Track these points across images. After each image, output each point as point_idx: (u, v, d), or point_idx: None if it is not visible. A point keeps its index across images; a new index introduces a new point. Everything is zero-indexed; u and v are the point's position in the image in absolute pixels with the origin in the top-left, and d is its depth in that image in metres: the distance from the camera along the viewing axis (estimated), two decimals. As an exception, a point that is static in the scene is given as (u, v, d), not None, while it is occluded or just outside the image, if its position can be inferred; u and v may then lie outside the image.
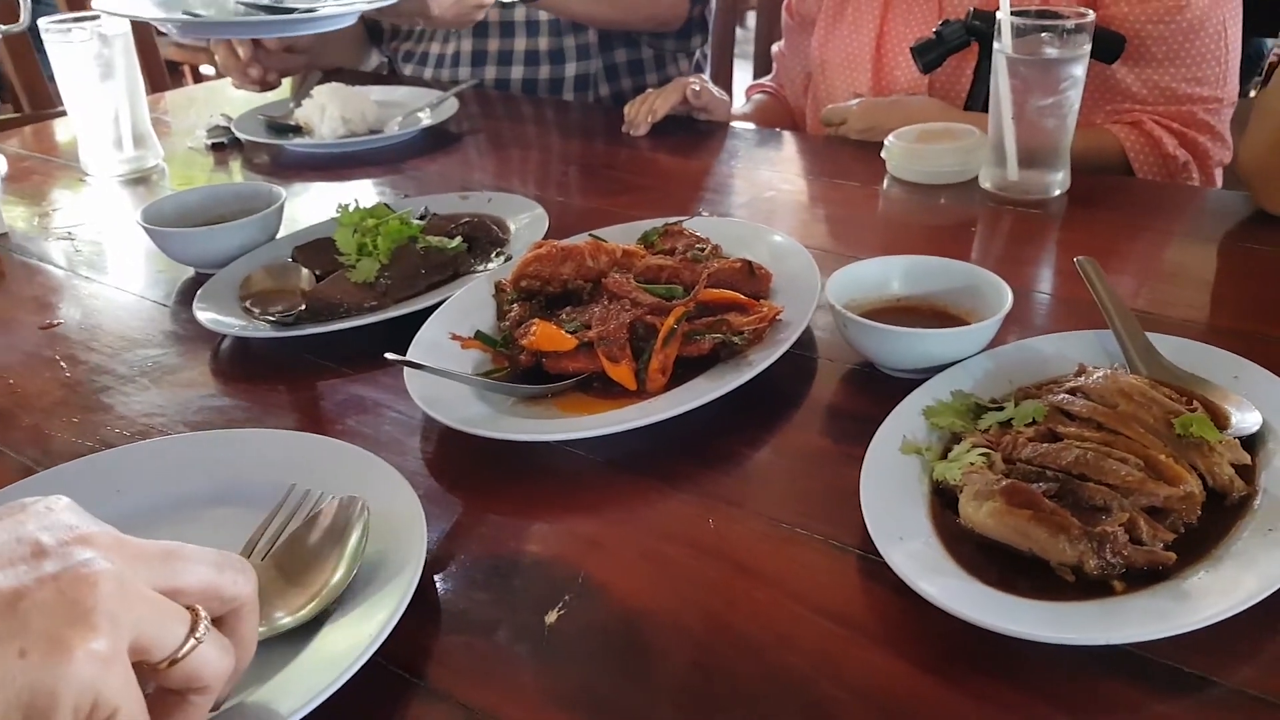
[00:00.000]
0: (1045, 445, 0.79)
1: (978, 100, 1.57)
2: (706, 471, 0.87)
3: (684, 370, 0.96)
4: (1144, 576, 0.70)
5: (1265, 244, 1.20)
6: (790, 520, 0.80)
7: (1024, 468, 0.78)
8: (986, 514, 0.74)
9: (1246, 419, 0.83)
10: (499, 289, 1.10)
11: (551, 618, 0.73)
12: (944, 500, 0.79)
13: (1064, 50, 1.28)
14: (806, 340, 1.04)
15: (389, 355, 0.88)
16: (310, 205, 1.55)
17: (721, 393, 0.91)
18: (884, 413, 0.87)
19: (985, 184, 1.40)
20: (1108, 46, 1.46)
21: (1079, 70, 1.29)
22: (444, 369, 0.92)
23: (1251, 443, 0.81)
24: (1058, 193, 1.36)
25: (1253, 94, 1.65)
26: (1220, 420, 0.83)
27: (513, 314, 1.04)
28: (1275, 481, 0.77)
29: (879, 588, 0.72)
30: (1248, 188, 1.27)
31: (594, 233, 1.22)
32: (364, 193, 1.60)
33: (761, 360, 0.95)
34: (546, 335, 0.97)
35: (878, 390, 0.95)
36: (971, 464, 0.79)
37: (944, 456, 0.83)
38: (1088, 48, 1.28)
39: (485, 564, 0.79)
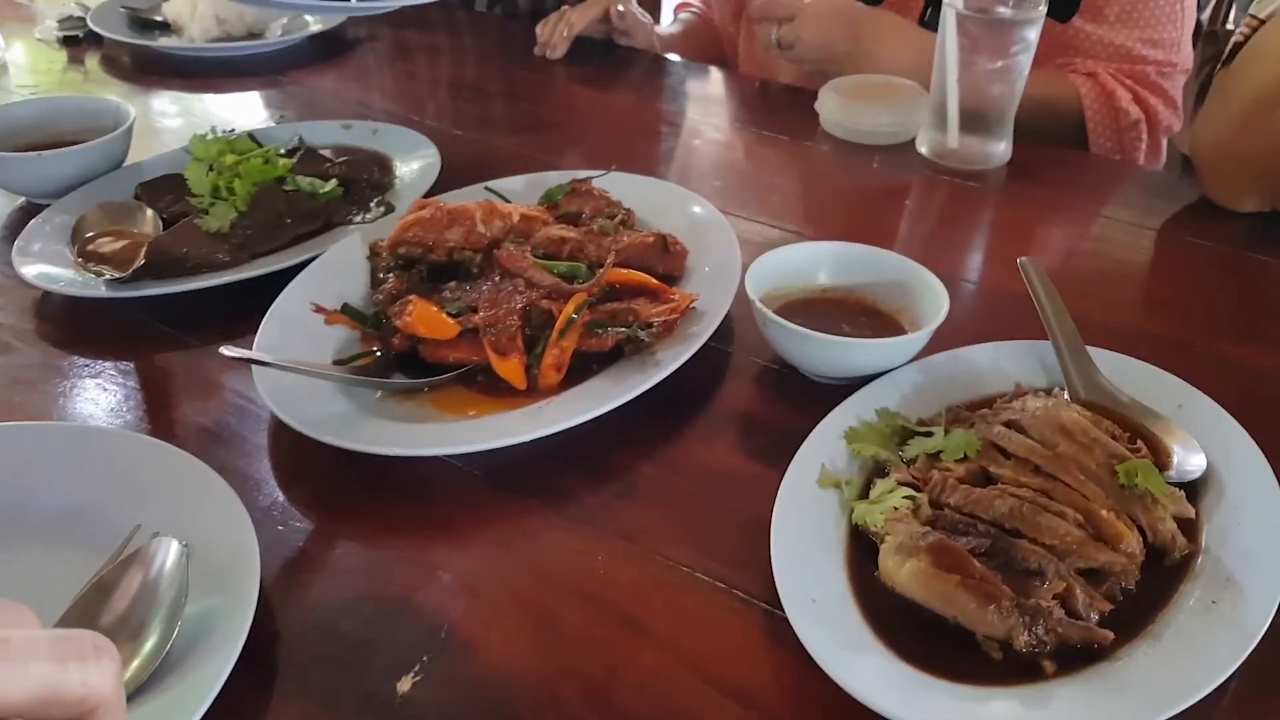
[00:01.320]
0: (977, 491, 0.70)
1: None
2: (599, 493, 0.77)
3: (581, 364, 0.85)
4: (1077, 654, 0.63)
5: (1209, 238, 1.13)
6: (691, 562, 0.71)
7: (952, 515, 0.69)
8: (909, 574, 0.65)
9: (1191, 461, 0.75)
10: (374, 252, 0.96)
11: (405, 685, 0.62)
12: (863, 546, 0.70)
13: (1019, 11, 1.16)
14: (723, 331, 0.93)
15: (226, 350, 0.74)
16: (172, 124, 1.35)
17: (623, 400, 0.80)
18: (804, 424, 0.78)
19: (922, 149, 1.29)
20: (1063, 2, 1.35)
21: (1032, 34, 1.18)
22: (293, 363, 0.78)
23: (1193, 489, 0.74)
24: (998, 164, 1.26)
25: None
26: (1163, 460, 0.75)
27: (387, 286, 0.90)
28: (1219, 538, 0.70)
29: (786, 655, 0.63)
30: (1199, 174, 1.19)
31: (491, 185, 1.08)
32: (236, 109, 1.41)
33: (670, 360, 0.84)
34: (424, 318, 0.84)
35: (798, 396, 0.85)
36: (895, 508, 0.70)
37: (866, 492, 0.74)
38: (1043, 9, 1.17)
39: (331, 609, 0.67)
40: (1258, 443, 0.76)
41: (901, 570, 0.65)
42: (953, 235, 1.15)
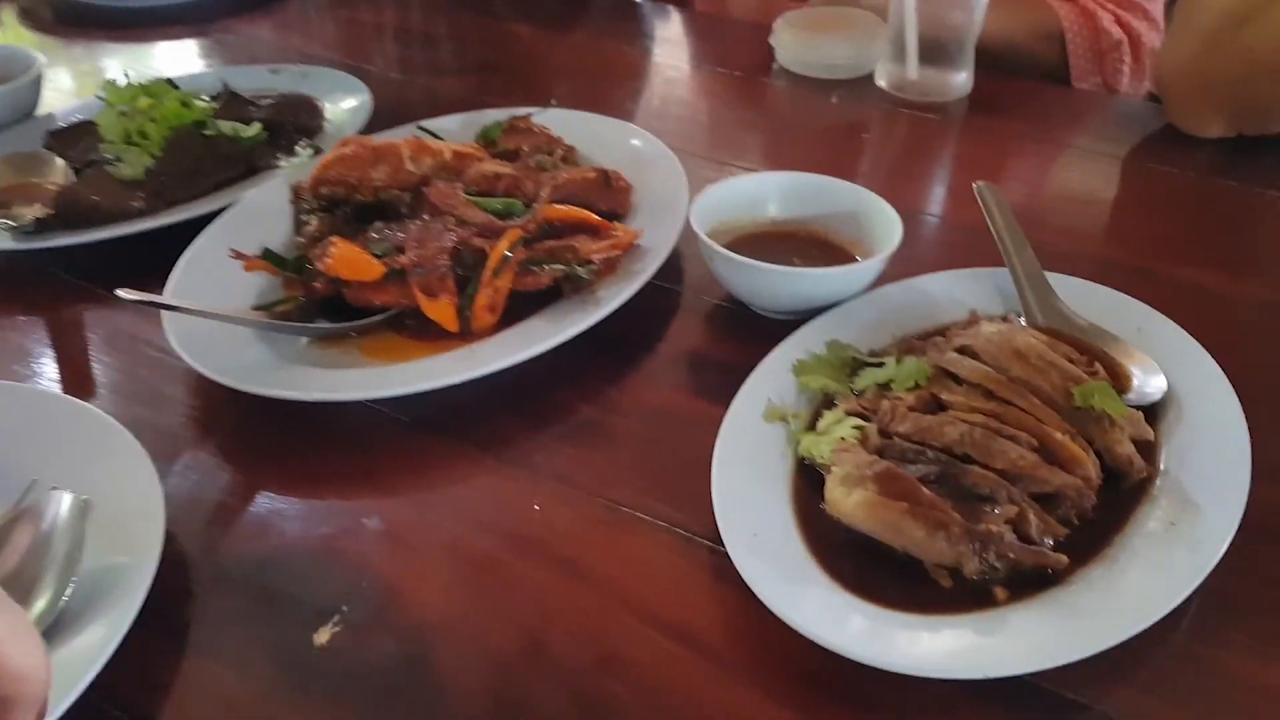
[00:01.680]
0: (927, 419, 0.67)
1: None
2: (537, 436, 0.73)
3: (518, 306, 0.81)
4: (1030, 579, 0.60)
5: (1174, 165, 1.09)
6: (632, 502, 0.67)
7: (901, 444, 0.66)
8: (856, 504, 0.62)
9: (1150, 384, 0.72)
10: (296, 194, 0.91)
11: (322, 637, 0.58)
12: (810, 481, 0.67)
13: (976, -69, 1.12)
14: (669, 269, 0.89)
15: (122, 292, 0.69)
16: (95, 78, 1.29)
17: (560, 340, 0.76)
18: (753, 361, 0.74)
19: (881, 81, 1.25)
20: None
21: (991, -44, 1.13)
22: (202, 307, 0.74)
23: (1153, 412, 0.71)
24: (959, 95, 1.22)
25: None
26: (1122, 384, 0.72)
27: (310, 229, 0.85)
28: (1178, 460, 0.67)
29: (730, 591, 0.60)
30: (1164, 100, 1.15)
31: (424, 124, 1.03)
32: (165, 61, 1.34)
33: (612, 297, 0.80)
34: (347, 259, 0.79)
35: (747, 333, 0.81)
36: (842, 439, 0.67)
37: (814, 425, 0.70)
38: (1003, -71, 1.12)
39: (247, 563, 0.63)
40: (1219, 364, 0.73)
41: (848, 500, 0.62)
42: (912, 168, 1.11)
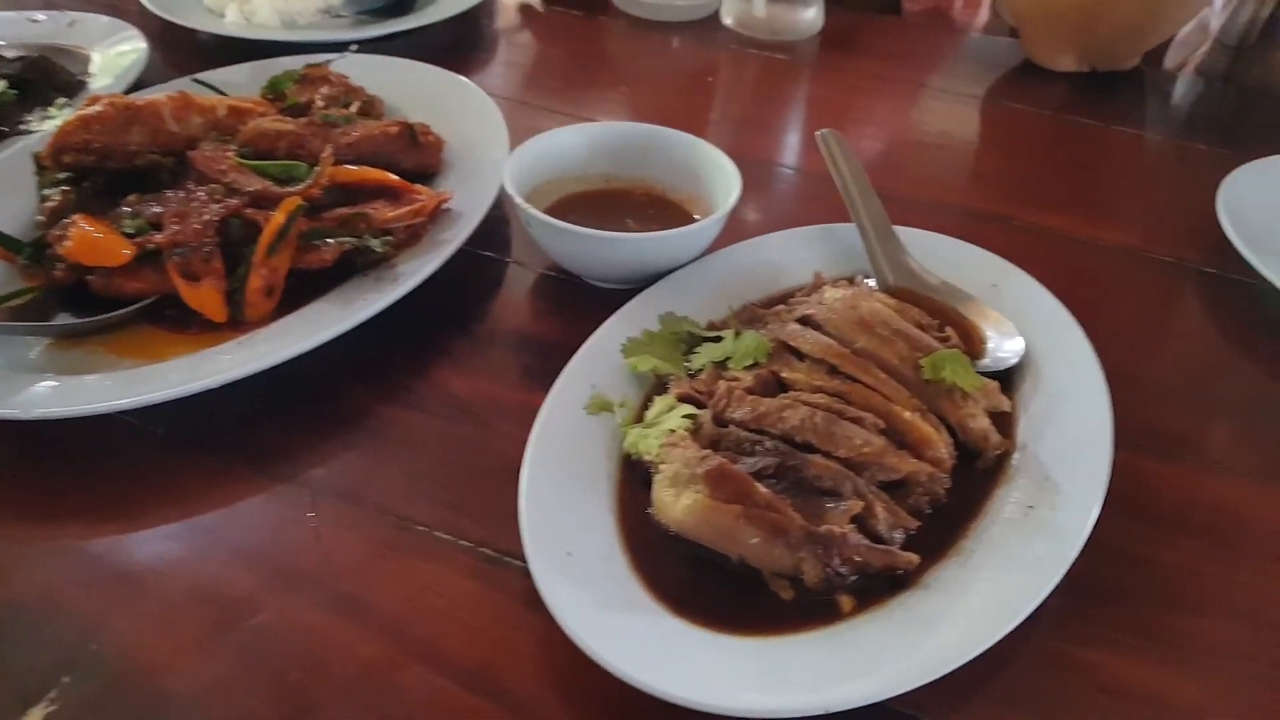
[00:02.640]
0: (765, 402, 0.59)
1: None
2: (319, 446, 0.62)
3: (302, 289, 0.69)
4: (881, 583, 0.53)
5: (1029, 103, 1.04)
6: (429, 518, 0.58)
7: (738, 433, 0.58)
8: (685, 509, 0.54)
9: (1006, 347, 0.66)
10: (39, 164, 0.76)
11: (35, 717, 0.47)
12: (638, 482, 0.58)
13: None
14: (491, 237, 0.79)
15: None
16: None
17: (349, 325, 0.65)
18: (580, 340, 0.65)
19: (727, 20, 1.16)
20: None
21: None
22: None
23: (1010, 378, 0.65)
24: (810, 33, 1.14)
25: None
26: (975, 348, 0.66)
27: (51, 204, 0.71)
28: (1036, 433, 0.61)
29: (545, 623, 0.50)
30: (1019, 33, 1.10)
31: (202, 77, 0.89)
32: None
33: (413, 272, 0.69)
34: (88, 241, 0.66)
35: (577, 307, 0.72)
36: (672, 431, 0.58)
37: (644, 414, 0.62)
38: None
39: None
40: (1078, 319, 0.67)
41: (677, 505, 0.54)
42: (762, 115, 1.03)
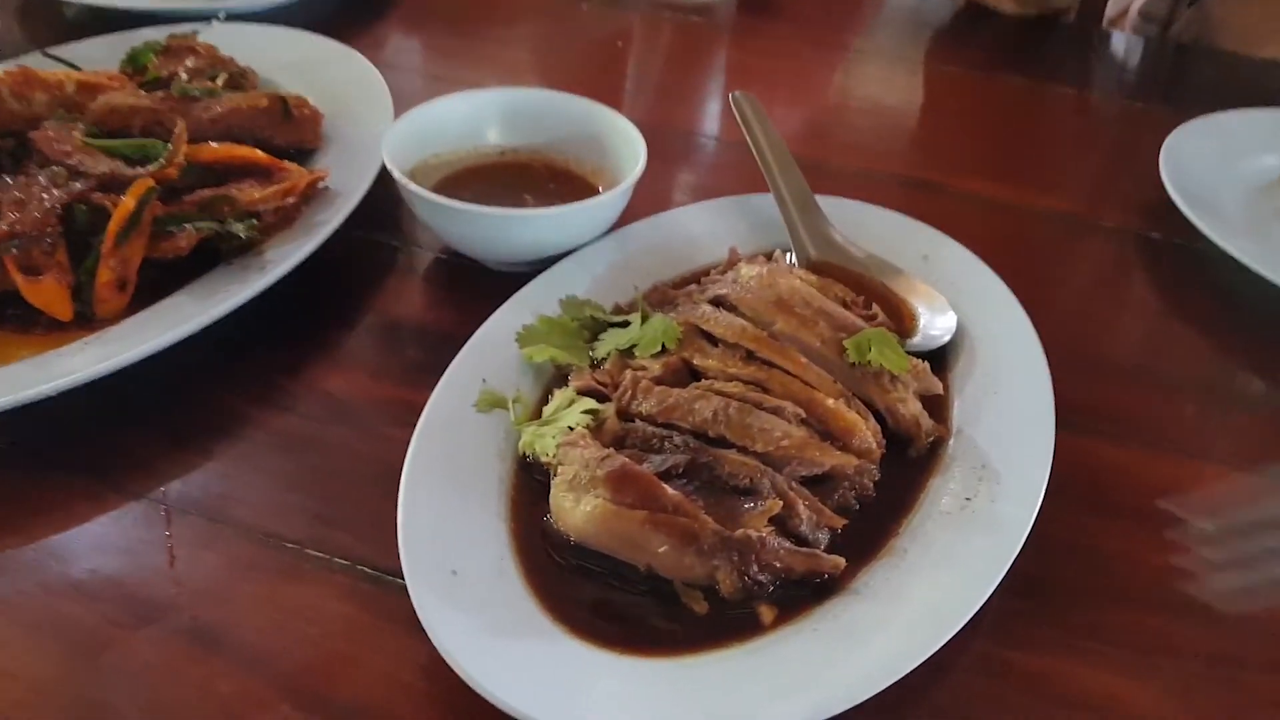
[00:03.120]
0: (674, 394, 0.53)
1: None
2: (178, 455, 0.55)
3: (159, 281, 0.62)
4: (804, 590, 0.47)
5: (961, 64, 1.00)
6: (300, 535, 0.51)
7: (645, 429, 0.52)
8: (585, 517, 0.48)
9: (937, 323, 0.62)
10: None
11: None
12: (534, 487, 0.52)
13: None
14: (375, 218, 0.72)
15: None
16: None
17: (210, 319, 0.58)
18: (472, 329, 0.58)
19: (641, -17, 1.09)
20: None
21: None
22: None
23: (942, 357, 0.60)
24: (727, -4, 1.08)
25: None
26: (905, 326, 0.61)
27: None
28: (972, 415, 0.56)
29: (428, 650, 0.44)
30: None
31: (54, 50, 0.80)
32: None
33: (283, 259, 0.62)
34: (-100, 236, 0.58)
35: (474, 293, 0.66)
36: (571, 429, 0.52)
37: (542, 411, 0.55)
38: None
39: None
40: (1015, 292, 0.63)
41: (576, 512, 0.48)
42: (676, 82, 0.97)
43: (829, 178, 0.71)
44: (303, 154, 0.73)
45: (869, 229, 0.68)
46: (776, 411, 0.52)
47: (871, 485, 0.52)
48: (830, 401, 0.53)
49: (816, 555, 0.47)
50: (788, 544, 0.47)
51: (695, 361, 0.56)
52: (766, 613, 0.46)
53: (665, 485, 0.48)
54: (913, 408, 0.55)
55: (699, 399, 0.52)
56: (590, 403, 0.53)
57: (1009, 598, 0.47)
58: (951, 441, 0.55)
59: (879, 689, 0.42)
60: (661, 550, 0.47)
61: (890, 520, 0.51)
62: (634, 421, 0.53)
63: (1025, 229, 0.77)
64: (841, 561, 0.47)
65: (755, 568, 0.46)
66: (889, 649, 0.44)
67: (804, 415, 0.52)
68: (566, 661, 0.44)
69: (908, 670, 0.43)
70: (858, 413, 0.53)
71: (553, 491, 0.50)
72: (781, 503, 0.48)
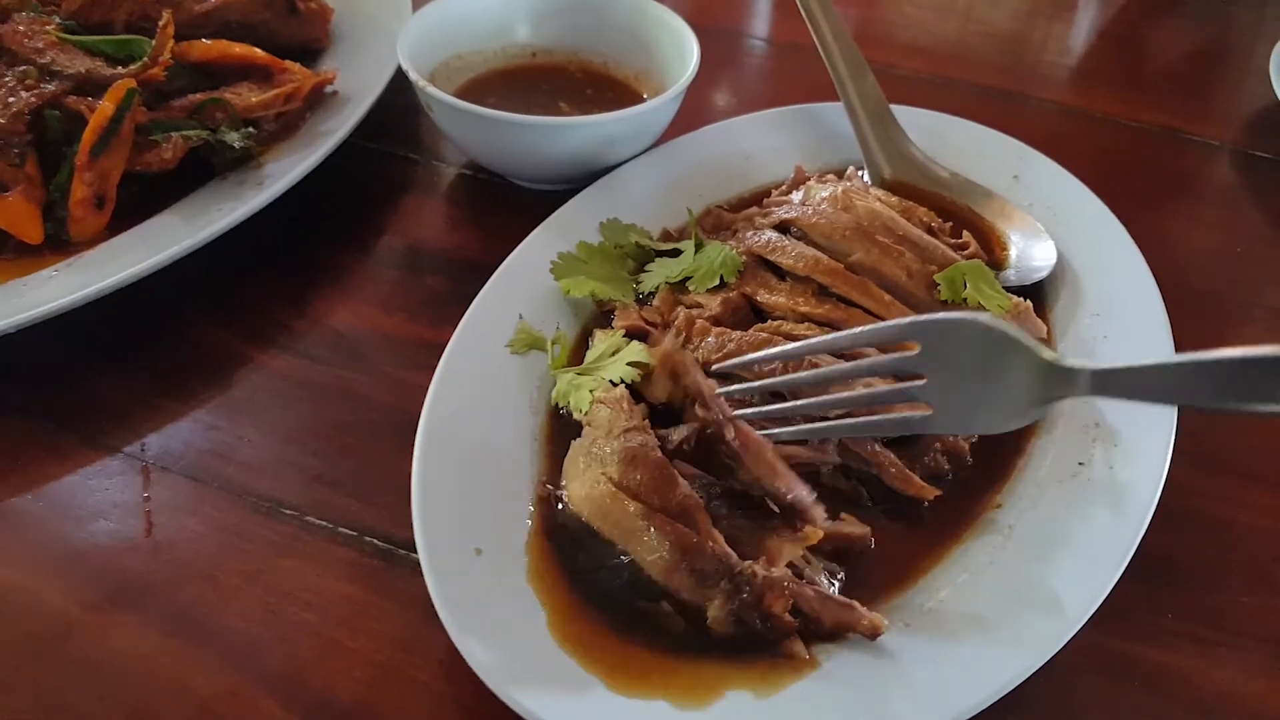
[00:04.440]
0: (735, 336, 0.45)
1: None
2: (160, 403, 0.49)
3: (142, 197, 0.54)
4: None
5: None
6: (300, 500, 0.45)
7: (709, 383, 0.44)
8: (586, 493, 0.41)
9: (1036, 255, 0.53)
10: None
11: None
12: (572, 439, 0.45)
13: None
14: (390, 128, 0.64)
15: None
16: None
17: (198, 242, 0.50)
18: (502, 256, 0.51)
19: None
20: None
21: None
22: None
23: (1041, 292, 0.52)
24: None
25: None
26: (997, 257, 0.53)
27: None
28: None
29: (447, 641, 0.37)
30: None
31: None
32: None
33: (284, 172, 0.54)
34: None
35: (500, 215, 0.59)
36: (611, 383, 0.44)
37: (582, 350, 0.48)
38: None
39: None
40: (1118, 217, 0.54)
41: (579, 483, 0.41)
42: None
43: (900, 85, 0.62)
44: (308, 54, 0.66)
45: (950, 144, 0.60)
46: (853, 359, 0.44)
47: (967, 447, 0.44)
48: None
49: (853, 608, 0.38)
50: (815, 588, 0.39)
51: (759, 298, 0.48)
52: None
53: (681, 480, 0.40)
54: (1013, 356, 0.47)
55: (766, 342, 0.44)
56: (639, 351, 0.45)
57: (1132, 582, 0.40)
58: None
59: (981, 708, 0.35)
60: (652, 558, 0.39)
61: (988, 488, 0.43)
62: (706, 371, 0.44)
63: (1119, 141, 0.68)
64: (882, 623, 0.38)
65: (756, 616, 0.38)
66: (992, 653, 0.37)
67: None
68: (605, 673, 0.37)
69: (1022, 679, 0.36)
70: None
71: (569, 454, 0.42)
72: (820, 534, 0.40)
